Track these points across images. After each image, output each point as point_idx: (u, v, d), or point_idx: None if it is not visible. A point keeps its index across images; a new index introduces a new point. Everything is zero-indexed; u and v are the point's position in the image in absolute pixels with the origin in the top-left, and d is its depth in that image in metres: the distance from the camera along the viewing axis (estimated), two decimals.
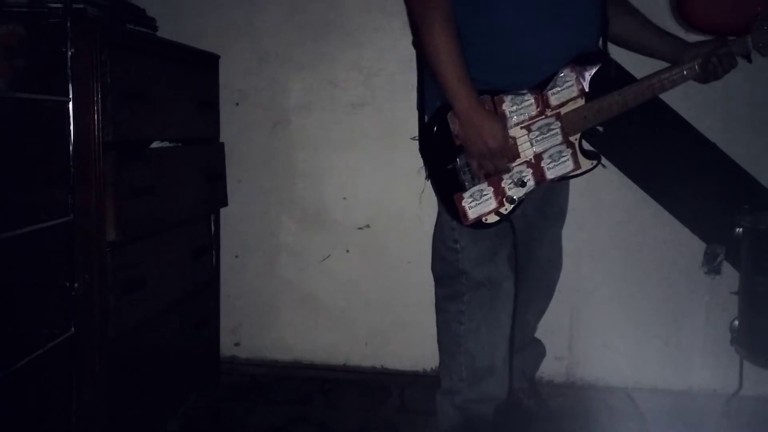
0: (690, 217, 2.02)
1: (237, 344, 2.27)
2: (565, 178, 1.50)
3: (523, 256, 1.56)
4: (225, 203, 2.05)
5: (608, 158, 1.97)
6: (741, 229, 1.82)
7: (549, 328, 1.95)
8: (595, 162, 1.49)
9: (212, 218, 1.98)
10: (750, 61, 1.51)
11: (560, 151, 1.47)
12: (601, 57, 1.47)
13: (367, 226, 2.18)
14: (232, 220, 2.14)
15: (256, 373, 2.19)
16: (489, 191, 1.46)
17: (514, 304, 1.56)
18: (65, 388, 1.39)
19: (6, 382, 1.25)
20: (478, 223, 1.47)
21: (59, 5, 1.32)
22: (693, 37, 1.87)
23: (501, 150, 1.40)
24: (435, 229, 1.63)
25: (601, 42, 1.52)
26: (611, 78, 1.50)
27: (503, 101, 1.43)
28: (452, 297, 1.58)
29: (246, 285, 2.24)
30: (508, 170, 1.44)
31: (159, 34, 1.78)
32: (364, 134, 2.14)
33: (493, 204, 1.46)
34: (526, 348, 1.78)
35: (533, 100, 1.44)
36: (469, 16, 1.39)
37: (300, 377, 2.16)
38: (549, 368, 2.09)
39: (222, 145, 2.02)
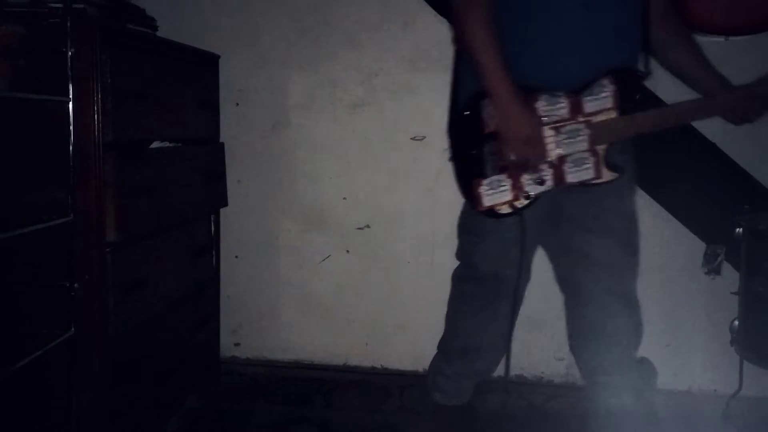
0: (690, 217, 2.02)
1: (237, 344, 2.27)
2: (585, 185, 1.51)
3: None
4: (225, 203, 2.05)
5: None
6: (741, 229, 1.82)
7: (549, 328, 1.95)
8: (616, 174, 1.50)
9: (212, 218, 1.98)
10: None
11: (583, 158, 1.48)
12: (642, 77, 1.50)
13: (367, 226, 2.18)
14: (232, 220, 2.14)
15: (256, 373, 2.19)
16: (507, 183, 1.49)
17: (516, 295, 1.64)
18: (65, 388, 1.39)
19: (6, 382, 1.25)
20: (491, 212, 1.51)
21: (59, 5, 1.31)
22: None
23: (536, 140, 1.44)
24: (459, 217, 1.70)
25: (644, 61, 1.53)
26: (638, 98, 1.50)
27: (537, 99, 1.45)
28: (461, 277, 1.72)
29: (246, 285, 2.24)
30: (540, 162, 1.47)
31: (159, 34, 1.78)
32: (364, 134, 2.13)
33: (508, 196, 1.49)
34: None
35: (567, 103, 1.46)
36: (506, 20, 1.44)
37: (300, 377, 2.16)
38: (549, 368, 2.09)
39: (222, 145, 2.02)
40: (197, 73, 1.88)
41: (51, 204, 1.35)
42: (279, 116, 2.17)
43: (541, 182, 1.48)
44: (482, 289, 1.66)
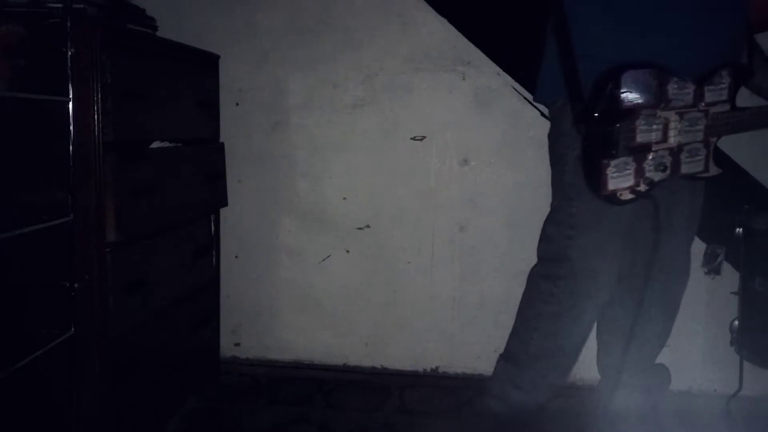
0: None
1: (237, 344, 2.27)
2: (692, 178, 1.49)
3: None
4: (225, 203, 2.05)
5: None
6: (741, 229, 1.82)
7: None
8: (721, 170, 1.49)
9: (212, 218, 1.98)
10: None
11: (698, 149, 1.46)
12: (751, 75, 1.51)
13: (367, 226, 2.18)
14: (232, 220, 2.15)
15: (256, 373, 2.19)
16: (632, 167, 1.42)
17: (605, 295, 1.58)
18: (65, 388, 1.39)
19: (6, 382, 1.25)
20: (612, 198, 1.43)
21: (59, 5, 1.32)
22: None
23: None
24: (550, 212, 1.62)
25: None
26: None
27: (669, 80, 1.42)
28: (547, 276, 1.60)
29: (246, 285, 2.24)
30: None
31: (159, 34, 1.78)
32: (364, 134, 2.14)
33: (630, 180, 1.43)
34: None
35: (692, 90, 1.44)
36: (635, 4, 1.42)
37: (300, 377, 2.16)
38: None
39: (222, 145, 2.02)
40: (197, 73, 1.88)
41: (51, 204, 1.35)
42: (279, 116, 2.17)
43: (664, 168, 1.44)
44: (573, 287, 1.57)
